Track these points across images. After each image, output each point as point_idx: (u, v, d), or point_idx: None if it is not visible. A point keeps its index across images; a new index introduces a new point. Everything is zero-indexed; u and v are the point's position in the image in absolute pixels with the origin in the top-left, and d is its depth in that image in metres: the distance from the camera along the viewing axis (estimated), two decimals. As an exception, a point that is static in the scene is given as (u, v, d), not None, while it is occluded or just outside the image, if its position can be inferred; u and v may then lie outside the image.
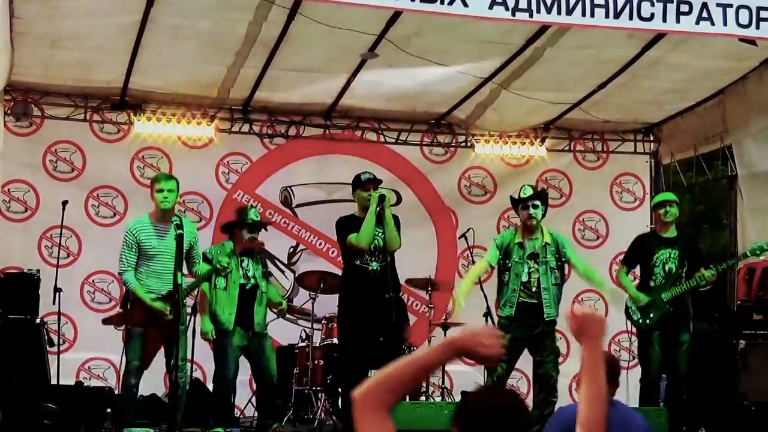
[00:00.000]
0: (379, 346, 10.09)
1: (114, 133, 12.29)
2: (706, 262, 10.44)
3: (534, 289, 9.87)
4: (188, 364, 9.51)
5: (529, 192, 10.09)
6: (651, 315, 10.18)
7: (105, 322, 9.73)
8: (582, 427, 3.58)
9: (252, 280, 10.13)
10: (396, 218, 10.41)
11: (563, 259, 10.09)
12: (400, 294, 10.40)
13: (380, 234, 10.02)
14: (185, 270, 9.51)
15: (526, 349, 10.02)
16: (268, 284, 10.40)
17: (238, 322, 10.04)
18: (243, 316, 10.06)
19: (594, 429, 3.59)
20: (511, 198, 10.42)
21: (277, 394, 10.52)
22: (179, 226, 9.18)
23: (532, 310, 9.87)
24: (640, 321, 10.28)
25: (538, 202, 10.01)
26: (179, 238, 9.02)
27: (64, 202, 10.88)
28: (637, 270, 10.70)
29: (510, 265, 9.94)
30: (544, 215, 10.15)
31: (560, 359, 12.87)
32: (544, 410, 9.69)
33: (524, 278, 9.87)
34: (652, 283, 10.29)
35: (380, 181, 10.36)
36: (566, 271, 10.27)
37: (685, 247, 10.29)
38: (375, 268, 9.98)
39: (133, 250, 9.39)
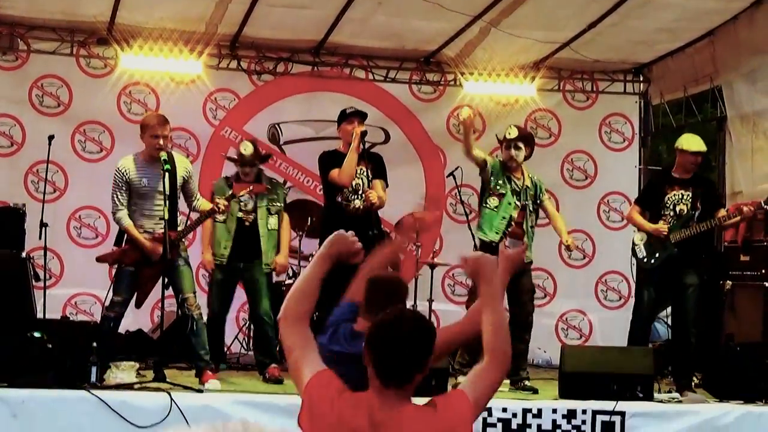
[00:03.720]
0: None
1: (101, 68, 12.21)
2: (722, 205, 10.37)
3: (516, 224, 9.83)
4: (195, 297, 9.45)
5: (515, 133, 10.00)
6: (657, 255, 10.02)
7: (99, 260, 9.73)
8: (488, 353, 4.07)
9: (252, 215, 10.06)
10: (379, 157, 10.37)
11: (539, 203, 10.06)
12: (382, 228, 10.37)
13: (363, 172, 10.00)
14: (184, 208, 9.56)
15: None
16: (277, 219, 10.28)
17: (236, 256, 10.03)
18: (242, 250, 10.04)
19: (499, 353, 4.10)
20: (497, 138, 10.37)
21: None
22: (168, 162, 9.19)
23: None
24: (645, 260, 10.12)
25: (521, 144, 9.95)
26: (169, 174, 9.07)
27: (51, 137, 10.79)
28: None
29: (503, 192, 9.85)
30: (528, 157, 10.08)
31: (546, 299, 12.99)
32: (518, 348, 9.70)
33: (513, 210, 9.82)
34: (661, 224, 10.11)
35: (365, 116, 10.31)
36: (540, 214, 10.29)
37: (699, 189, 10.09)
38: (357, 206, 9.96)
39: (123, 189, 9.33)
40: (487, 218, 9.91)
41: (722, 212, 10.04)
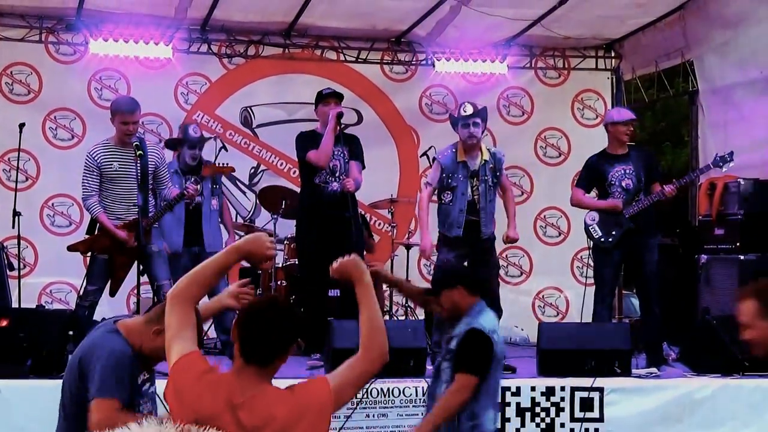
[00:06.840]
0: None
1: (70, 55, 12.12)
2: (663, 176, 10.36)
3: (478, 207, 9.79)
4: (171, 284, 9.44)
5: (470, 110, 9.92)
6: (613, 233, 9.87)
7: (70, 248, 9.66)
8: (362, 347, 4.24)
9: (197, 199, 10.02)
10: (356, 138, 10.35)
11: (498, 175, 9.99)
12: (359, 212, 10.36)
13: (340, 153, 9.96)
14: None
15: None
16: (219, 200, 10.47)
17: (186, 242, 10.08)
18: (190, 235, 10.14)
19: (373, 350, 4.24)
20: (450, 116, 10.30)
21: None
22: (140, 148, 9.13)
23: (474, 227, 9.78)
24: (602, 239, 9.94)
25: (479, 120, 9.88)
26: (141, 161, 9.01)
27: (21, 125, 10.70)
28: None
29: (455, 184, 9.81)
30: (483, 132, 10.04)
31: (522, 277, 13.01)
32: None
33: (469, 197, 9.78)
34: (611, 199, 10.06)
35: (342, 96, 10.26)
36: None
37: (639, 162, 9.99)
38: (335, 188, 9.92)
39: (94, 174, 9.29)
40: (449, 216, 9.87)
41: (657, 187, 9.99)
